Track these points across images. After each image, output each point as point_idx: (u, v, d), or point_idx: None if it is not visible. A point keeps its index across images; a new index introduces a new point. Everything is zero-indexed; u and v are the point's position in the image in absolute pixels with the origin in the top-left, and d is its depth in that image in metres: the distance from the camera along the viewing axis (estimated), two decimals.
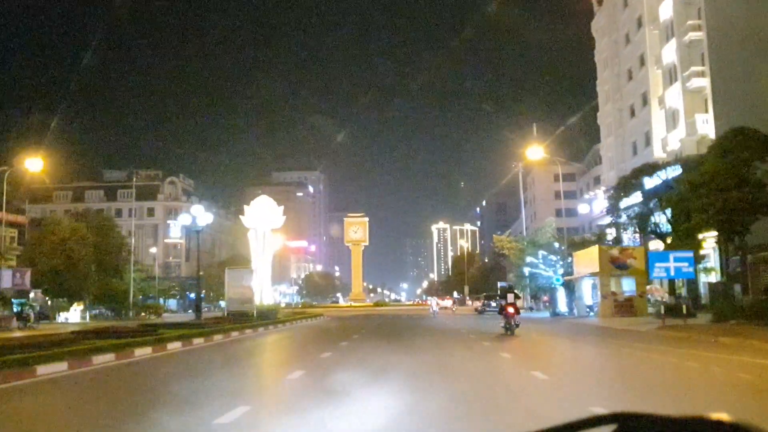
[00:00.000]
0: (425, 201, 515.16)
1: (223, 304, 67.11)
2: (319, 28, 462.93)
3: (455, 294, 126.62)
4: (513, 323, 22.71)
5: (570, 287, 42.64)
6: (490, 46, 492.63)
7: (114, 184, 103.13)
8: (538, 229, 56.84)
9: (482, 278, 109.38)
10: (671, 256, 23.85)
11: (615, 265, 36.16)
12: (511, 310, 22.87)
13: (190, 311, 73.01)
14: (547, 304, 56.46)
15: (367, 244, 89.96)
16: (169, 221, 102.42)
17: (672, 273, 23.80)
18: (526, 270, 49.77)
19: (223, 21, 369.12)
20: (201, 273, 32.21)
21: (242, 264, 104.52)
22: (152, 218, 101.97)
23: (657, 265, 23.87)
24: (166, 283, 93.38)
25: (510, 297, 23.81)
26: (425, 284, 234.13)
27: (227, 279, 32.83)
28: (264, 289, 35.68)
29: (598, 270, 36.43)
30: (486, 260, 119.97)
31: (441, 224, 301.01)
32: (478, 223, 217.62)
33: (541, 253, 47.87)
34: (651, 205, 34.91)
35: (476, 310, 61.81)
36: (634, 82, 53.20)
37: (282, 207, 37.00)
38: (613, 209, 35.99)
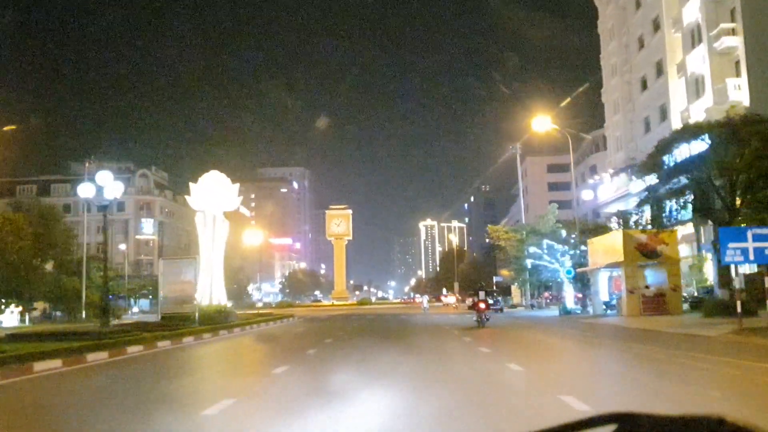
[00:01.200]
0: (413, 198, 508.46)
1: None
2: (305, 21, 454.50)
3: (444, 291, 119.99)
4: (484, 317, 25.36)
5: (583, 281, 35.83)
6: (479, 29, 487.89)
7: (81, 177, 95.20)
8: (539, 216, 50.20)
9: (473, 274, 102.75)
10: (749, 234, 17.04)
11: (643, 252, 29.42)
12: (482, 305, 25.47)
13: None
14: (549, 300, 49.75)
15: (350, 238, 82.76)
16: (141, 217, 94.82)
17: (751, 257, 16.99)
18: (528, 262, 42.98)
19: (207, 16, 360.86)
20: (107, 264, 24.97)
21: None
22: (122, 213, 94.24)
23: (731, 246, 17.03)
24: (137, 282, 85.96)
25: (481, 294, 26.59)
26: (413, 282, 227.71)
27: (161, 271, 25.53)
28: (215, 286, 28.59)
29: (621, 259, 29.69)
30: (474, 255, 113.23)
31: (429, 221, 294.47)
32: (466, 219, 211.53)
33: (545, 242, 41.10)
34: (685, 178, 27.91)
35: (470, 307, 54.99)
36: (647, 50, 46.56)
37: (237, 185, 29.76)
38: (656, 186, 28.29)
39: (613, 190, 50.64)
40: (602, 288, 34.17)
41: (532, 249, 41.89)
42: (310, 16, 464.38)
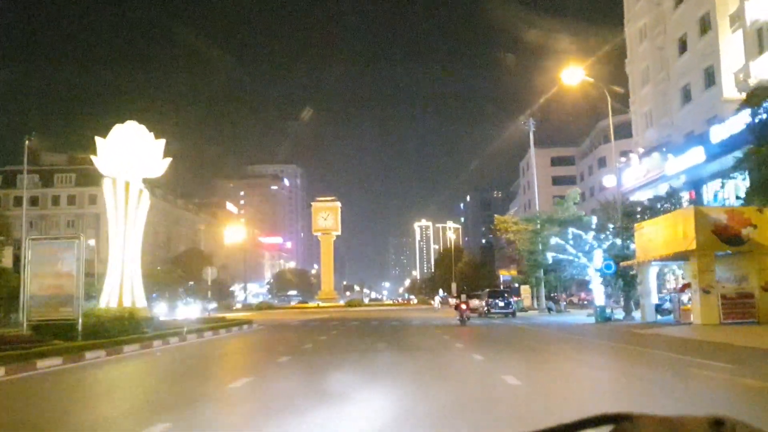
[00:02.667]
0: (407, 198, 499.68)
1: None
2: (297, 17, 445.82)
3: (440, 292, 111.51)
4: (465, 317, 27.54)
5: (626, 278, 27.29)
6: (478, 20, 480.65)
7: (51, 168, 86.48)
8: (557, 203, 42.01)
9: (471, 274, 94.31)
10: None
11: (722, 238, 21.07)
12: (464, 306, 27.99)
13: None
14: (565, 303, 41.35)
15: (339, 233, 73.91)
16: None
17: None
18: (549, 256, 34.59)
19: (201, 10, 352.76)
20: None
21: (200, 261, 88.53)
22: (94, 207, 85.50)
23: None
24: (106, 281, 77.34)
25: (463, 297, 31.10)
26: (407, 283, 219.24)
27: (29, 258, 16.80)
28: (130, 282, 20.22)
29: (691, 247, 21.30)
30: (472, 254, 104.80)
31: (423, 222, 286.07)
32: (462, 219, 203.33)
33: (571, 231, 32.77)
34: None
35: (473, 310, 46.61)
36: (686, 5, 38.36)
37: (163, 141, 21.29)
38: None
39: (643, 173, 42.21)
40: (652, 287, 25.84)
41: (554, 240, 33.47)
42: (309, 14, 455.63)
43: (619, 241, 28.38)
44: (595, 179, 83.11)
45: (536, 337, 21.04)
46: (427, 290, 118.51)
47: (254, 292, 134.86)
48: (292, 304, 64.56)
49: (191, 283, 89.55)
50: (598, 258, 31.99)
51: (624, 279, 26.58)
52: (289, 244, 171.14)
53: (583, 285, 48.26)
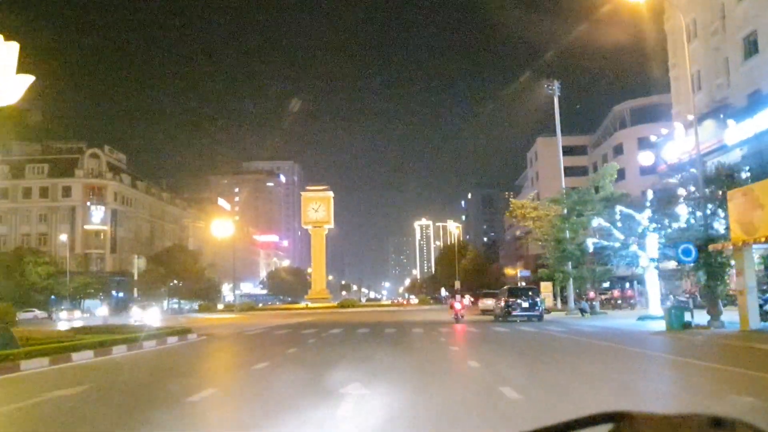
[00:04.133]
0: (407, 197, 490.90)
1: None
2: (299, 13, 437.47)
3: (443, 291, 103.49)
4: (459, 315, 28.09)
5: (712, 268, 19.07)
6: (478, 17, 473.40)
7: (23, 158, 78.58)
8: (590, 177, 34.27)
9: (476, 271, 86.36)
10: None
11: None
12: (458, 306, 28.60)
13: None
14: (597, 302, 33.34)
15: (331, 226, 65.09)
16: (90, 204, 78.13)
17: None
18: (590, 243, 26.52)
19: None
20: None
21: (185, 258, 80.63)
22: (68, 199, 77.71)
23: None
24: (80, 280, 69.28)
25: (458, 297, 33.31)
26: (407, 282, 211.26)
27: None
28: None
29: None
30: (475, 249, 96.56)
31: (424, 221, 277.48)
32: (463, 217, 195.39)
33: (619, 210, 24.81)
34: None
35: (485, 312, 38.63)
36: None
37: (16, 45, 13.55)
38: None
39: (690, 145, 34.27)
40: (749, 279, 17.84)
41: (596, 222, 25.50)
42: (312, 8, 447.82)
43: (697, 219, 20.26)
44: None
45: (604, 357, 13.14)
46: (429, 290, 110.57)
47: (249, 292, 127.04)
48: (277, 304, 55.90)
49: (175, 282, 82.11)
50: (653, 244, 24.08)
51: (709, 269, 18.59)
52: (285, 243, 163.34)
53: (613, 281, 40.20)
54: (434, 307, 61.42)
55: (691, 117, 35.27)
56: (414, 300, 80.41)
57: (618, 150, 76.45)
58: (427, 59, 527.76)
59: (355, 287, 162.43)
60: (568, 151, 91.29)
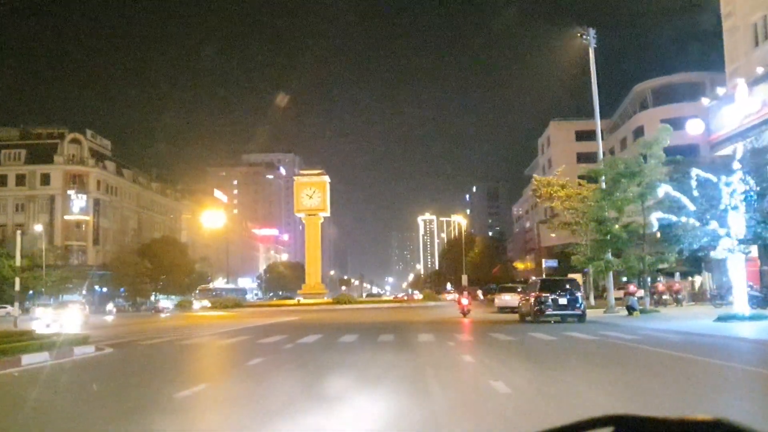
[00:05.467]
0: (410, 192, 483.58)
1: None
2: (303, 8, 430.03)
3: (448, 286, 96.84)
4: (466, 310, 27.39)
5: None
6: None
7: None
8: (639, 141, 27.77)
9: (485, 264, 79.83)
10: None
11: None
12: (464, 301, 28.03)
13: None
14: (647, 297, 26.57)
15: (327, 214, 57.73)
16: (70, 192, 71.75)
17: None
18: (654, 220, 19.84)
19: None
20: None
21: (174, 251, 74.31)
22: (47, 188, 71.34)
23: None
24: (57, 274, 62.84)
25: (465, 293, 31.40)
26: (411, 277, 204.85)
27: None
28: None
29: None
30: (483, 242, 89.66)
31: (427, 215, 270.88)
32: (468, 211, 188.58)
33: (695, 173, 18.17)
34: None
35: (502, 309, 32.12)
36: None
37: None
38: None
39: (756, 109, 27.50)
40: None
41: (662, 191, 18.88)
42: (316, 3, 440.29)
43: None
44: (629, 154, 68.40)
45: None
46: (433, 285, 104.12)
47: (247, 286, 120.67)
48: (260, 300, 49.15)
49: (163, 276, 75.69)
50: (739, 221, 17.49)
51: None
52: (286, 237, 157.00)
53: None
54: (440, 303, 54.66)
55: (761, 70, 28.57)
56: (418, 295, 73.75)
57: (639, 133, 69.56)
58: (431, 53, 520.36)
59: (356, 282, 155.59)
60: (583, 136, 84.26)
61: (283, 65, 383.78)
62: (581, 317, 21.88)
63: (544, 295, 22.14)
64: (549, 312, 21.88)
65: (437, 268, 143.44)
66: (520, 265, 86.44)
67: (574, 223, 30.23)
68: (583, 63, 31.28)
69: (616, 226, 24.55)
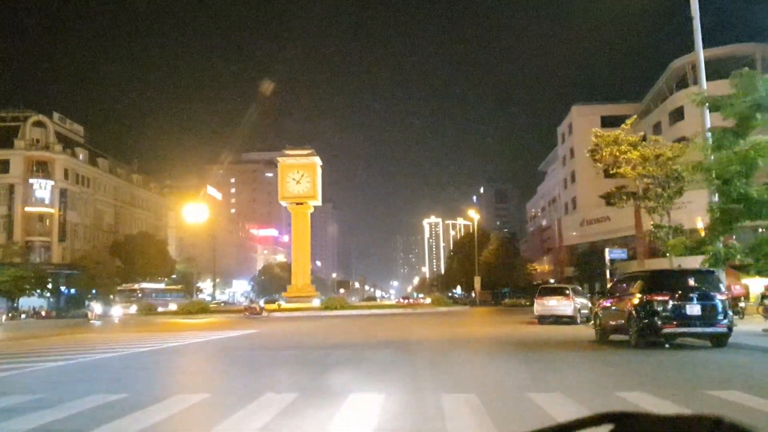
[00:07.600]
0: (416, 195, 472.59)
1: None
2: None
3: (458, 289, 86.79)
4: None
5: None
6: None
7: None
8: None
9: (500, 266, 69.84)
10: None
11: None
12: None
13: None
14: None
15: (318, 202, 46.26)
16: (32, 180, 62.35)
17: None
18: None
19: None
20: None
21: (152, 246, 64.73)
22: (6, 176, 61.92)
23: None
24: (10, 272, 53.14)
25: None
26: (416, 281, 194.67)
27: None
28: None
29: None
30: (498, 239, 79.37)
31: (433, 218, 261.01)
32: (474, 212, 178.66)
33: None
34: None
35: (543, 319, 22.37)
36: None
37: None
38: None
39: None
40: None
41: None
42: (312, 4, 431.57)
43: None
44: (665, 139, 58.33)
45: None
46: (440, 287, 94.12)
47: (242, 290, 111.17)
48: (244, 305, 39.22)
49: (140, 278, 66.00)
50: None
51: None
52: (286, 238, 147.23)
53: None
54: (453, 308, 44.51)
55: None
56: (425, 299, 63.72)
57: (677, 115, 59.74)
58: (437, 54, 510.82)
59: (356, 284, 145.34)
60: (609, 121, 73.23)
61: (288, 63, 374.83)
62: (725, 336, 12.10)
63: (657, 299, 12.27)
64: (669, 329, 12.05)
65: (443, 272, 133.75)
66: (538, 267, 76.56)
67: (652, 194, 20.32)
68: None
69: (749, 193, 14.68)
